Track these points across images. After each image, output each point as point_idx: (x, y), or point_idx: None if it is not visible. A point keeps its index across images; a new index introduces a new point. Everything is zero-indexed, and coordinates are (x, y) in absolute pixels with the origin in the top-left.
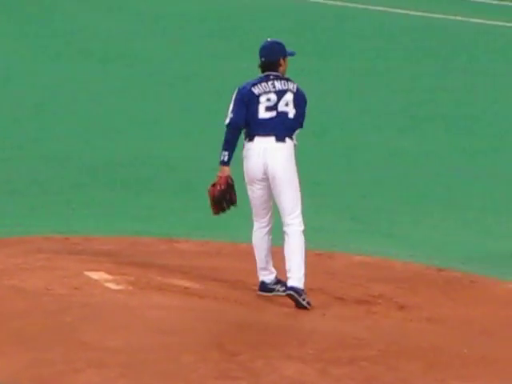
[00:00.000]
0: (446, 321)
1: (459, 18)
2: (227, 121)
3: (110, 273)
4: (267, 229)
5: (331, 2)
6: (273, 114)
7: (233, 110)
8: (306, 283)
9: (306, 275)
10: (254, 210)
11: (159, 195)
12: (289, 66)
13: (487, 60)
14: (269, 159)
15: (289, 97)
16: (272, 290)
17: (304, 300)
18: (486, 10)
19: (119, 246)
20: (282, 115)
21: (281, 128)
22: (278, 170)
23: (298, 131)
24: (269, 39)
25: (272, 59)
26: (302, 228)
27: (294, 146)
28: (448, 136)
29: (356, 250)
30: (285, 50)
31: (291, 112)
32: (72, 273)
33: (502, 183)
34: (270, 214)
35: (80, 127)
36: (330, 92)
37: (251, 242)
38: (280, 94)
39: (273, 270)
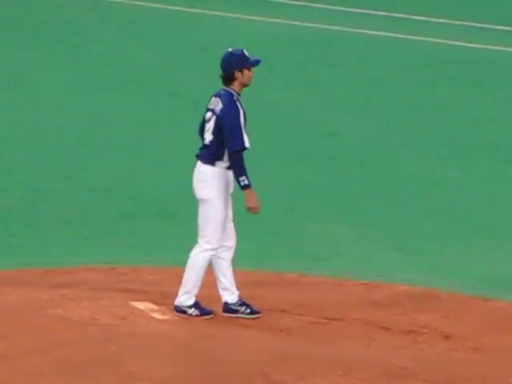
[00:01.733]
0: (492, 350)
1: (503, 48)
2: None
3: (155, 303)
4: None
5: (377, 32)
6: (203, 136)
7: None
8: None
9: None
10: None
11: None
12: (332, 96)
13: None
14: (194, 180)
15: (211, 121)
16: (236, 312)
17: (192, 314)
18: None
19: (165, 276)
20: (205, 139)
21: (203, 152)
22: (195, 191)
23: (223, 159)
24: (230, 49)
25: (225, 72)
26: (207, 248)
27: (222, 170)
28: (492, 166)
29: (401, 280)
30: (243, 61)
31: (208, 138)
32: (118, 303)
33: None
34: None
35: (125, 157)
36: (376, 122)
37: (297, 271)
38: (209, 114)
39: (235, 290)
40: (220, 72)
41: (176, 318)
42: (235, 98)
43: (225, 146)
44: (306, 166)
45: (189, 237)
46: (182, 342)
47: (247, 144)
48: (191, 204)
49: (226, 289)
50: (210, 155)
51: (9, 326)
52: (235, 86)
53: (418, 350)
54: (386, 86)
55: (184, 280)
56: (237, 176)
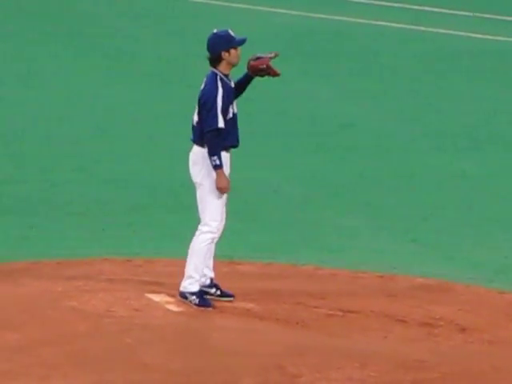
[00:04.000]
0: (508, 343)
1: None
2: None
3: (171, 295)
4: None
5: (393, 24)
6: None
7: None
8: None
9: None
10: None
11: None
12: (348, 87)
13: None
14: (189, 165)
15: (198, 102)
16: (206, 293)
17: (192, 301)
18: None
19: (180, 267)
20: (192, 122)
21: (193, 134)
22: (191, 175)
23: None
24: (214, 30)
25: (212, 54)
26: (204, 231)
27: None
28: (508, 158)
29: (417, 273)
30: (228, 41)
31: (195, 119)
32: (133, 295)
33: None
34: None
35: (141, 148)
36: (392, 114)
37: (313, 263)
38: (199, 96)
39: (208, 273)
40: (207, 54)
41: (191, 310)
42: (218, 77)
43: None
44: (322, 157)
45: None
46: (197, 334)
47: (220, 124)
48: None
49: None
50: (198, 136)
51: (24, 318)
52: (222, 66)
53: (434, 342)
54: (401, 78)
55: (186, 265)
56: (209, 155)
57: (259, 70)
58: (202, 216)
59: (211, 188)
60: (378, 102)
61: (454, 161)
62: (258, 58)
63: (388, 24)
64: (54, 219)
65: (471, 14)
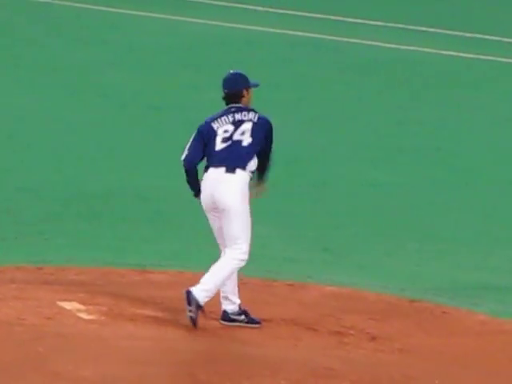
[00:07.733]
0: (418, 351)
1: (430, 50)
2: (183, 156)
3: (82, 303)
4: None
5: (305, 33)
6: (228, 143)
7: (190, 147)
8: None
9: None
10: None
11: (132, 225)
12: (260, 96)
13: (458, 93)
14: (216, 191)
15: (246, 126)
16: (234, 321)
17: (190, 311)
18: (457, 42)
19: (92, 276)
20: (237, 144)
21: (233, 158)
22: (225, 201)
23: (253, 162)
24: (231, 71)
25: (234, 91)
26: (239, 258)
27: (249, 177)
28: (419, 168)
29: (328, 281)
30: (247, 81)
31: (246, 140)
32: (45, 303)
33: (473, 215)
34: None
35: (53, 158)
36: (303, 122)
37: None
38: (238, 124)
39: (236, 300)
40: (225, 92)
41: (103, 318)
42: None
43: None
44: None
45: (116, 237)
46: (108, 342)
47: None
48: (119, 205)
49: (225, 298)
50: (241, 159)
51: None
52: (242, 104)
53: (344, 350)
54: (313, 87)
55: (206, 276)
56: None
57: None
58: (236, 242)
59: (246, 213)
60: (290, 111)
61: (365, 170)
62: None
63: (301, 34)
64: None
65: (384, 23)
